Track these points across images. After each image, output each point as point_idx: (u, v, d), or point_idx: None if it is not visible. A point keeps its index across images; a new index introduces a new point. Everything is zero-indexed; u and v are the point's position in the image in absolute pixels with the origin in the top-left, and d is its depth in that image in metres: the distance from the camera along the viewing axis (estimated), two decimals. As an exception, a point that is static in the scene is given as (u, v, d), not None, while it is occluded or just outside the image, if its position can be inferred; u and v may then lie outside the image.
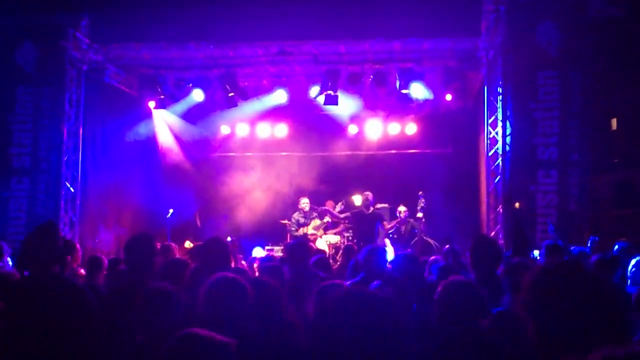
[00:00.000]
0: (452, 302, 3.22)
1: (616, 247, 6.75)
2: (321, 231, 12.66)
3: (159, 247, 5.98)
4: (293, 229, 12.77)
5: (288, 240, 12.37)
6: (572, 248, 7.23)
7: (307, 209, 12.78)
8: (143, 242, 4.22)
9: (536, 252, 7.94)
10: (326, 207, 12.64)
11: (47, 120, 11.06)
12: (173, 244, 7.93)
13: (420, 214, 11.35)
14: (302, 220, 12.76)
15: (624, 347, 1.44)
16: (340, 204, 12.88)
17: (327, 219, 12.70)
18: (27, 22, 11.03)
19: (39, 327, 2.46)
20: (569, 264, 2.07)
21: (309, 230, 12.54)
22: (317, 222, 12.77)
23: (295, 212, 12.96)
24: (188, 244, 8.42)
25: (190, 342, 2.11)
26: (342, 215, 12.18)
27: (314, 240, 12.21)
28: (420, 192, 11.55)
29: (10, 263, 6.67)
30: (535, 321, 1.91)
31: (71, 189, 11.27)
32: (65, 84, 11.16)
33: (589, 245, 7.91)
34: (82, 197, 11.48)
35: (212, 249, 4.44)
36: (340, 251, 11.31)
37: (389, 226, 11.65)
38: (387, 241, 11.50)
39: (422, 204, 11.39)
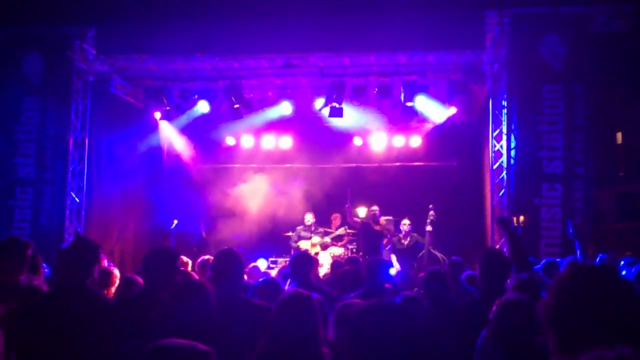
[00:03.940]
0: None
1: (622, 262, 6.72)
2: (319, 247, 12.71)
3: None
4: (294, 241, 12.87)
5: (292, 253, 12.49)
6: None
7: (308, 223, 12.97)
8: (164, 256, 4.14)
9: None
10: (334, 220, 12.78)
11: (53, 130, 11.07)
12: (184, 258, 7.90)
13: (429, 227, 11.30)
14: (303, 233, 12.87)
15: (614, 349, 1.45)
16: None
17: (327, 239, 12.80)
18: (34, 32, 11.11)
19: (65, 336, 2.48)
20: (600, 269, 2.07)
21: (308, 245, 12.65)
22: (317, 239, 12.84)
23: (300, 225, 13.07)
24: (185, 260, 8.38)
25: (167, 351, 2.08)
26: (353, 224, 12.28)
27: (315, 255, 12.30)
28: (431, 205, 11.52)
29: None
30: (556, 324, 1.91)
31: (76, 199, 11.28)
32: (72, 95, 11.20)
33: (597, 262, 7.85)
34: (87, 207, 11.49)
35: (227, 260, 4.38)
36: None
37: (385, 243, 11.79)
38: (394, 257, 11.48)
39: (432, 217, 11.35)
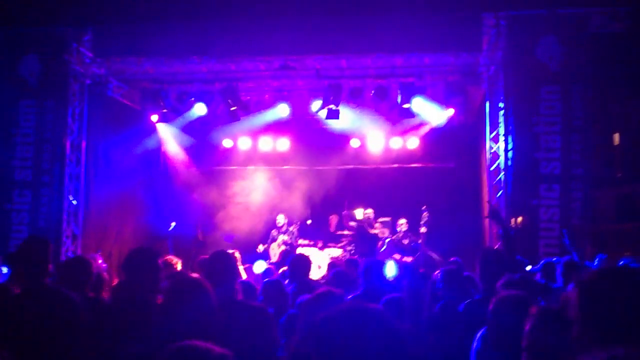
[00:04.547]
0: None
1: (621, 263, 6.72)
2: (283, 246, 12.82)
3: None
4: (268, 244, 13.22)
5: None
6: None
7: (280, 225, 13.23)
8: (143, 257, 4.12)
9: (528, 267, 7.89)
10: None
11: (50, 133, 11.06)
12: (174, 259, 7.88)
13: (423, 229, 11.34)
14: (275, 235, 13.22)
15: (608, 350, 1.49)
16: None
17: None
18: (31, 35, 11.08)
19: (31, 337, 2.47)
20: (625, 270, 2.18)
21: (275, 246, 12.97)
22: (282, 238, 13.09)
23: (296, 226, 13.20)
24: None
25: (187, 353, 2.08)
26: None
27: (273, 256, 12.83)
28: (424, 207, 11.56)
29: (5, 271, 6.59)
30: (584, 319, 1.97)
31: (74, 202, 11.26)
32: (68, 98, 11.18)
33: (596, 262, 7.84)
34: (84, 210, 11.47)
35: (219, 262, 4.38)
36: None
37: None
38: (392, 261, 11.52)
39: (425, 218, 11.39)
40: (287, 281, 6.14)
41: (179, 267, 7.75)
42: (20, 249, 4.56)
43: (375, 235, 11.96)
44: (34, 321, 2.50)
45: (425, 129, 13.68)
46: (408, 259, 11.56)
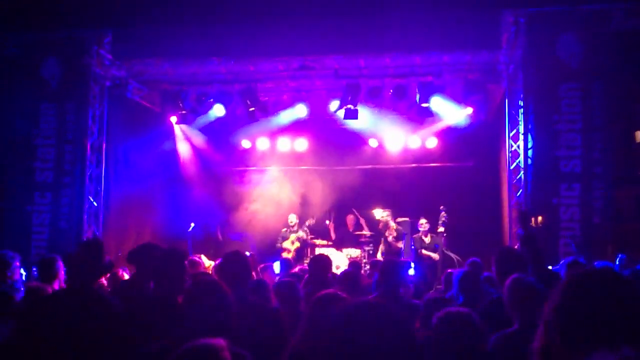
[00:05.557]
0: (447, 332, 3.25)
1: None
2: (297, 243, 12.93)
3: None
4: (279, 243, 13.23)
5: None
6: (595, 263, 7.09)
7: (292, 224, 13.30)
8: (172, 258, 4.15)
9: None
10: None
11: (71, 135, 11.15)
12: (199, 258, 7.94)
13: (441, 229, 11.30)
14: (286, 234, 13.27)
15: (617, 352, 1.52)
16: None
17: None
18: (52, 38, 11.20)
19: (70, 338, 2.50)
20: (602, 271, 2.08)
21: (289, 243, 13.02)
22: (294, 235, 13.08)
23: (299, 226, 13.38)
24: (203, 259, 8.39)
25: (198, 351, 2.10)
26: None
27: (287, 253, 12.86)
28: (442, 207, 11.51)
29: (23, 273, 6.66)
30: (561, 325, 1.91)
31: (94, 203, 11.35)
32: (89, 100, 11.27)
33: (617, 262, 7.75)
34: (104, 211, 11.56)
35: (233, 262, 4.40)
36: (365, 265, 11.35)
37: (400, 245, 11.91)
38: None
39: (443, 219, 11.35)
40: (304, 280, 6.14)
41: (210, 270, 7.79)
42: (76, 251, 4.64)
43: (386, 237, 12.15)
44: (66, 321, 2.53)
45: (444, 128, 13.58)
46: (433, 255, 11.57)
